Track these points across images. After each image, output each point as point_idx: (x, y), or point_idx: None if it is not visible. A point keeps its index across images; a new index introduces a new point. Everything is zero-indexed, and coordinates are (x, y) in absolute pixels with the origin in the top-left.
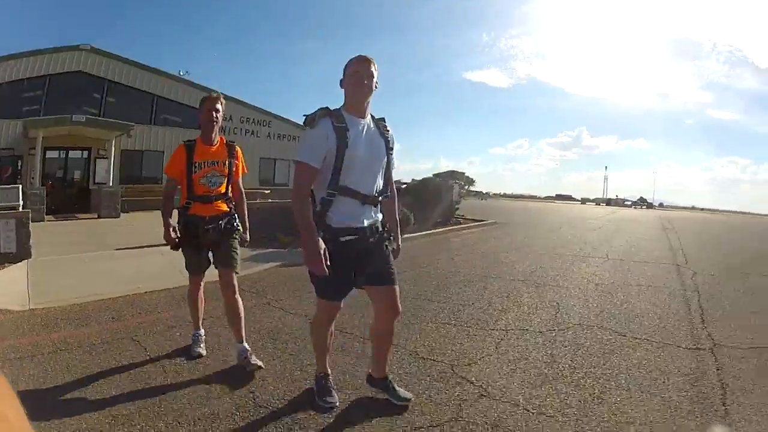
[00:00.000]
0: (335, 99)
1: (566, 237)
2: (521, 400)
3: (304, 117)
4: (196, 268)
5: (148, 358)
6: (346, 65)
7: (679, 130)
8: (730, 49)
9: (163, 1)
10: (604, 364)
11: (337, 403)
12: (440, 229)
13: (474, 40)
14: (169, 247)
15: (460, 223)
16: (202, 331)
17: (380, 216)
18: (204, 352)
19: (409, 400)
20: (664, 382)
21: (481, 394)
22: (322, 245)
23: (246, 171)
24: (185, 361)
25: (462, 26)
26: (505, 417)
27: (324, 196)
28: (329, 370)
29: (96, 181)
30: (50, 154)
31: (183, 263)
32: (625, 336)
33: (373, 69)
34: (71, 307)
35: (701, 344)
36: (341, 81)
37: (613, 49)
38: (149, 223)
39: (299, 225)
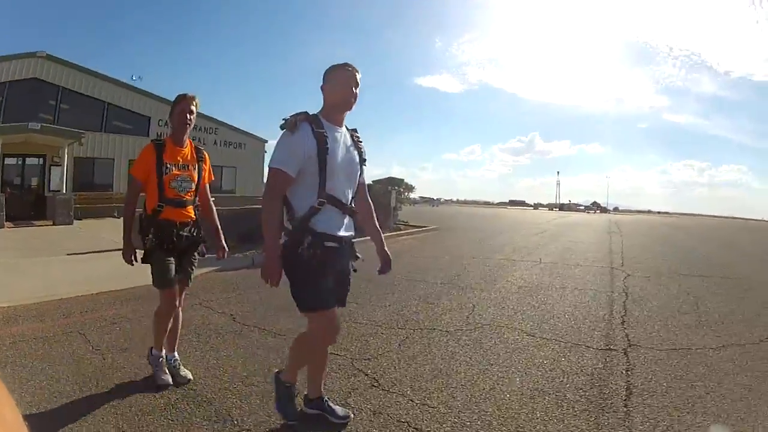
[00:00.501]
0: (282, 103)
1: (505, 242)
2: (409, 392)
3: (283, 120)
4: (172, 278)
5: (90, 348)
6: (332, 71)
7: (634, 135)
8: (687, 53)
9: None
10: (502, 363)
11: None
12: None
13: (426, 46)
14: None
15: (400, 230)
16: (165, 353)
17: (353, 231)
18: (171, 381)
19: (348, 417)
20: (562, 381)
21: (372, 385)
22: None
23: (212, 178)
24: (120, 351)
25: (414, 32)
26: (388, 405)
27: (314, 204)
28: (296, 380)
29: (51, 188)
30: (8, 161)
31: (128, 267)
32: (533, 336)
33: (359, 78)
34: (29, 305)
35: (615, 345)
36: (322, 87)
37: (568, 55)
38: (99, 230)
39: (265, 231)
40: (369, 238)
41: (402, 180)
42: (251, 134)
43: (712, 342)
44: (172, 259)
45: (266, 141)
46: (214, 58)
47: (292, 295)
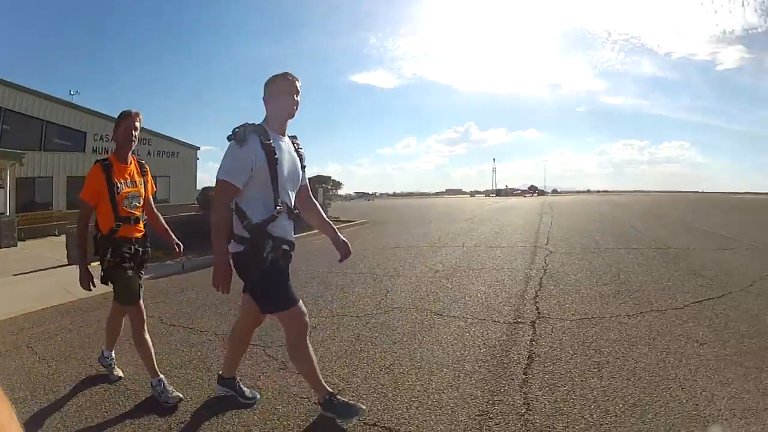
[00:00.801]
0: (215, 107)
1: (432, 230)
2: None
3: (232, 131)
4: (138, 291)
5: (38, 359)
6: (272, 82)
7: (571, 119)
8: (626, 37)
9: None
10: (405, 341)
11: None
12: (305, 233)
13: (360, 43)
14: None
15: None
16: (152, 380)
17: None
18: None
19: (255, 398)
20: (463, 354)
21: (280, 368)
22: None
23: (155, 189)
24: (63, 359)
25: (348, 29)
26: (292, 385)
27: (272, 212)
28: (330, 388)
29: None
30: None
31: (69, 281)
32: (441, 315)
33: (299, 86)
34: None
35: (523, 318)
36: (264, 98)
37: (503, 45)
38: (42, 250)
39: (215, 241)
40: (319, 231)
41: (329, 177)
42: (184, 142)
43: (629, 310)
44: (133, 274)
45: (198, 148)
46: (146, 64)
47: (258, 300)
